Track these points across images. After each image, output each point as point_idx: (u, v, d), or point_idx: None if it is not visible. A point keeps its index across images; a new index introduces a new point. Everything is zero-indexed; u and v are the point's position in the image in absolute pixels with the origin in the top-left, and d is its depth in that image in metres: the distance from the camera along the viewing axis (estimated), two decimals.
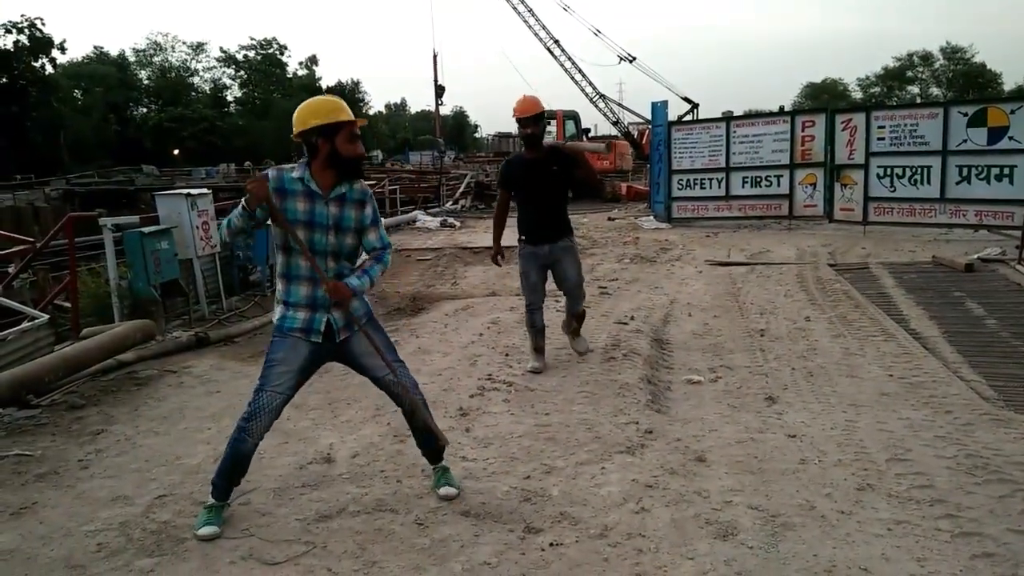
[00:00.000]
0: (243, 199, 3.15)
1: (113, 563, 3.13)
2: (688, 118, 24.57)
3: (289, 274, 3.32)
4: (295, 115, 3.27)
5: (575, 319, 5.78)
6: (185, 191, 8.94)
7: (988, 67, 74.32)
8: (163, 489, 3.85)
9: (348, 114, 3.26)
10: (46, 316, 6.85)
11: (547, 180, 5.33)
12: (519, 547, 3.13)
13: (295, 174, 3.27)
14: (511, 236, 5.66)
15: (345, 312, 3.33)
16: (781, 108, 18.73)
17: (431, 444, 3.63)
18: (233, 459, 3.36)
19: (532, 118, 5.25)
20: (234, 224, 3.20)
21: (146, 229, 7.88)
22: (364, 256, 3.46)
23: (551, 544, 3.14)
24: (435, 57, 33.18)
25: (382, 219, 3.48)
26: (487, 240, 14.18)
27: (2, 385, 5.13)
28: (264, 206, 3.16)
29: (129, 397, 5.54)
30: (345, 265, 3.38)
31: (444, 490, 3.58)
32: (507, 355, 6.17)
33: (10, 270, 8.20)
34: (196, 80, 78.97)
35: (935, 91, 75.68)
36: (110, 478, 4.04)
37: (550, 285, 5.74)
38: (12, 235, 8.71)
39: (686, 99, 27.74)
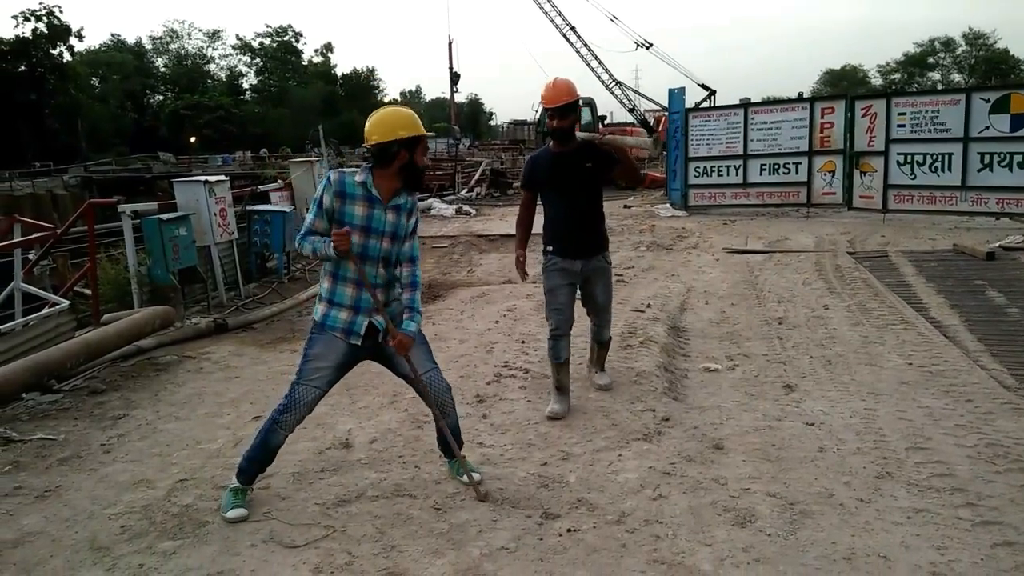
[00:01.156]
0: (333, 248, 3.22)
1: (136, 545, 3.18)
2: (705, 105, 24.38)
3: (337, 274, 3.36)
4: (378, 123, 3.28)
5: (600, 347, 4.97)
6: (203, 178, 8.98)
7: (1011, 53, 73.18)
8: (184, 473, 3.90)
9: (423, 129, 3.34)
10: (67, 302, 6.93)
11: (579, 180, 4.45)
12: (537, 532, 3.15)
13: (358, 178, 3.29)
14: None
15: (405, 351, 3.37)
16: (800, 95, 18.54)
17: (455, 431, 3.66)
18: (264, 448, 3.42)
19: (561, 109, 4.35)
20: (310, 252, 3.31)
21: (164, 216, 7.94)
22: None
23: (569, 530, 3.15)
24: (450, 44, 33.16)
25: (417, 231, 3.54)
26: (503, 228, 14.23)
27: (25, 370, 5.20)
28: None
29: (149, 382, 5.59)
30: (392, 272, 3.41)
31: (474, 475, 3.58)
32: (523, 342, 6.18)
33: (31, 257, 8.28)
34: (212, 68, 79.47)
35: (957, 77, 74.53)
36: (132, 462, 4.09)
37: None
38: (33, 221, 8.79)
39: (703, 86, 27.50)
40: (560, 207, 4.51)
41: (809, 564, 2.84)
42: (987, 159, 11.61)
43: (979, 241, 9.72)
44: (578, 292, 4.68)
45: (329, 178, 3.30)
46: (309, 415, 3.46)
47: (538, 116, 27.79)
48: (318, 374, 3.36)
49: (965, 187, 11.80)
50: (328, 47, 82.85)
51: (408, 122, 3.29)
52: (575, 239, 4.49)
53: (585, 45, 28.59)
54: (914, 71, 78.33)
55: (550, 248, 4.56)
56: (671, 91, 15.70)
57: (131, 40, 75.69)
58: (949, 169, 11.95)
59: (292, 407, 3.35)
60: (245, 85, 79.65)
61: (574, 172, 4.43)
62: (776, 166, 14.13)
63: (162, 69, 76.41)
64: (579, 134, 4.68)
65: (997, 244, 9.36)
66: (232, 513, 3.35)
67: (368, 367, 5.20)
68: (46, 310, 6.89)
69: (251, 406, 4.93)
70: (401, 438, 4.26)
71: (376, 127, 3.27)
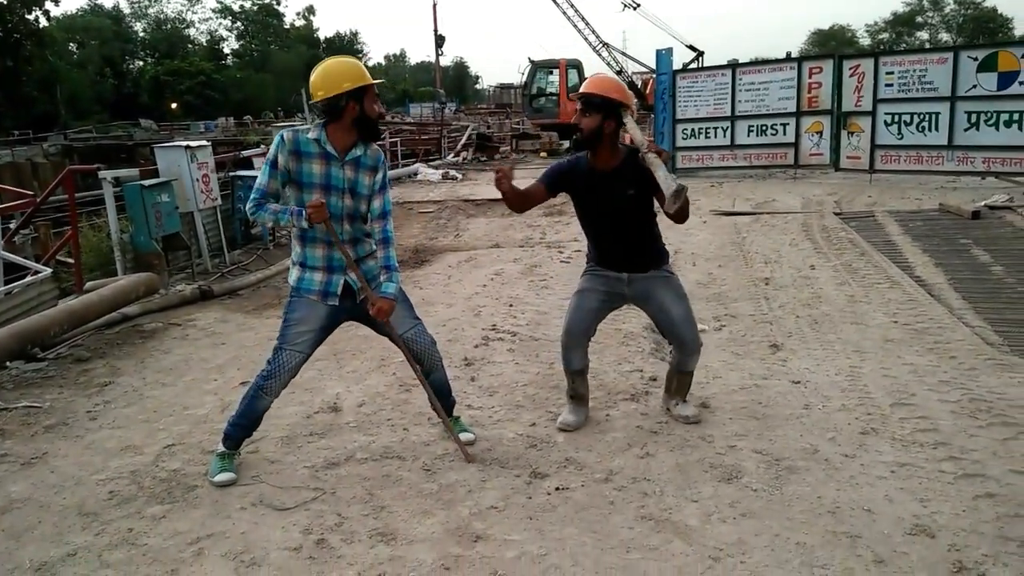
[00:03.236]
0: (304, 217, 3.14)
1: (125, 510, 3.18)
2: (693, 66, 24.18)
3: (305, 236, 3.28)
4: (320, 78, 3.16)
5: (681, 377, 3.87)
6: (184, 143, 8.84)
7: (1000, 11, 72.85)
8: (172, 439, 3.89)
9: (370, 76, 3.21)
10: (49, 270, 6.86)
11: (621, 208, 3.55)
12: (526, 491, 3.17)
13: (311, 135, 3.21)
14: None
15: (386, 319, 3.32)
16: (788, 55, 18.39)
17: (446, 401, 3.65)
18: (249, 414, 3.39)
19: (587, 99, 3.46)
20: (271, 222, 3.19)
21: (146, 182, 7.83)
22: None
23: (557, 488, 3.17)
24: (435, 6, 32.56)
25: (388, 185, 3.41)
26: (489, 192, 14.10)
27: (9, 338, 5.15)
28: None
29: (135, 350, 5.56)
30: (360, 228, 3.34)
31: (463, 435, 3.59)
32: (511, 306, 6.17)
33: (11, 226, 8.17)
34: (192, 32, 77.94)
35: (945, 36, 74.13)
36: (119, 428, 4.08)
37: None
38: (12, 188, 8.65)
39: (691, 47, 27.30)
40: (600, 230, 3.69)
41: (795, 518, 2.88)
42: (974, 118, 11.60)
43: (965, 200, 9.75)
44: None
45: (282, 136, 3.20)
46: (295, 379, 3.44)
47: (525, 79, 27.50)
48: (301, 338, 3.32)
49: (952, 146, 11.81)
50: (310, 10, 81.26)
51: (353, 72, 3.16)
52: (622, 258, 3.67)
53: (572, 6, 28.24)
54: (902, 30, 77.89)
55: (590, 260, 3.82)
56: (659, 52, 15.54)
57: (108, 4, 74.11)
58: (936, 128, 11.94)
59: (276, 373, 3.32)
60: (226, 50, 78.22)
61: (615, 199, 3.53)
62: (764, 127, 14.07)
63: (141, 34, 74.86)
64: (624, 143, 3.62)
65: (982, 203, 9.40)
66: (220, 477, 3.34)
67: (354, 331, 5.20)
68: (28, 279, 6.82)
69: (238, 372, 4.92)
70: (389, 401, 4.26)
71: (321, 81, 3.15)
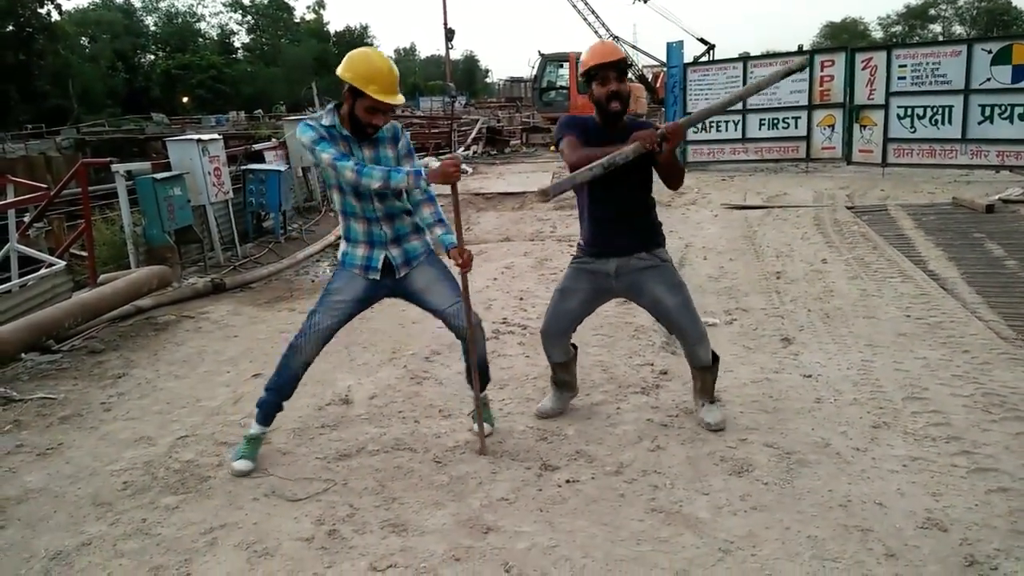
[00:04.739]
0: (425, 175, 3.12)
1: (139, 500, 3.21)
2: (704, 59, 24.07)
3: (345, 211, 3.35)
4: (344, 59, 3.19)
5: (700, 374, 3.68)
6: (196, 137, 8.88)
7: (1014, 4, 72.07)
8: (185, 430, 3.92)
9: (381, 90, 3.09)
10: (63, 263, 6.90)
11: (627, 167, 3.24)
12: (536, 484, 3.17)
13: (325, 121, 3.24)
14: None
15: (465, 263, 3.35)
16: (799, 48, 18.27)
17: (485, 379, 3.65)
18: (281, 374, 3.43)
19: (619, 65, 3.37)
20: (379, 182, 3.08)
21: (158, 176, 7.87)
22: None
23: (568, 481, 3.18)
24: None
25: (413, 151, 3.44)
26: (500, 186, 14.11)
27: (24, 330, 5.19)
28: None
29: (148, 342, 5.60)
30: (394, 205, 3.34)
31: (485, 425, 3.58)
32: (521, 299, 6.18)
33: (25, 219, 8.23)
34: (203, 26, 78.30)
35: (958, 29, 73.53)
36: (133, 420, 4.11)
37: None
38: (26, 181, 8.71)
39: (702, 40, 27.21)
40: (599, 195, 3.45)
41: (805, 511, 2.87)
42: (988, 111, 11.49)
43: (978, 194, 9.67)
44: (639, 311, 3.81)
45: (307, 123, 3.21)
46: (321, 349, 3.44)
47: (535, 72, 27.44)
48: (337, 305, 3.38)
49: (965, 140, 11.71)
50: (320, 3, 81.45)
51: (359, 69, 3.11)
52: (615, 233, 3.48)
53: (583, 0, 28.12)
54: (915, 23, 77.26)
55: (581, 242, 3.66)
56: (669, 45, 15.47)
57: None
58: (949, 122, 11.84)
59: (307, 331, 3.37)
60: (237, 44, 78.52)
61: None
62: (775, 121, 13.98)
63: (152, 28, 75.20)
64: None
65: (996, 197, 9.32)
66: (238, 464, 3.39)
67: (366, 324, 5.22)
68: (42, 271, 6.87)
69: (250, 364, 4.94)
70: (400, 393, 4.27)
71: (343, 63, 3.19)
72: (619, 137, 3.25)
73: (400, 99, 3.20)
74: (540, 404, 3.88)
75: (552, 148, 21.18)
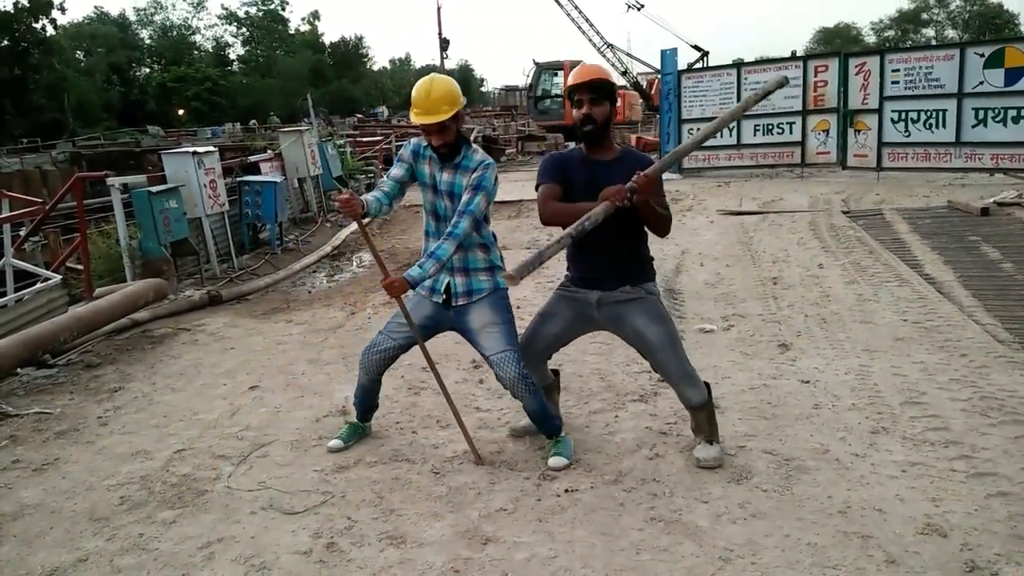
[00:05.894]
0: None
1: (136, 515, 3.19)
2: (698, 66, 24.15)
3: (426, 230, 3.49)
4: (454, 91, 3.27)
5: (692, 413, 3.44)
6: (191, 149, 8.88)
7: (1006, 7, 72.51)
8: (182, 444, 3.90)
9: (419, 112, 3.22)
10: (59, 277, 6.89)
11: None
12: (535, 493, 3.16)
13: (424, 141, 3.38)
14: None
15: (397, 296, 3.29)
16: (793, 53, 18.31)
17: (542, 427, 3.51)
18: (358, 388, 3.67)
19: (593, 86, 3.21)
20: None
21: (154, 188, 7.86)
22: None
23: (566, 490, 3.17)
24: (439, 9, 32.67)
25: (484, 188, 3.27)
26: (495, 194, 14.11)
27: (19, 345, 5.18)
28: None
29: (144, 355, 5.58)
30: (472, 238, 3.34)
31: (551, 460, 3.38)
32: (518, 307, 6.15)
33: (21, 233, 8.22)
34: (198, 39, 78.30)
35: (951, 33, 73.86)
36: (129, 434, 4.09)
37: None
38: (21, 196, 8.70)
39: (696, 47, 27.31)
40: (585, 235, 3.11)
41: (805, 518, 2.86)
42: (981, 114, 11.56)
43: (973, 197, 9.71)
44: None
45: (410, 140, 3.50)
46: (385, 368, 3.59)
47: (530, 81, 27.52)
48: (399, 330, 3.49)
49: (959, 143, 11.77)
50: (315, 15, 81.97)
51: (418, 104, 3.23)
52: (602, 268, 3.33)
53: (576, 8, 28.25)
54: (908, 27, 77.61)
55: (567, 272, 3.51)
56: (663, 52, 15.54)
57: (115, 12, 74.68)
58: (943, 125, 11.90)
59: (368, 351, 3.55)
60: (232, 56, 78.59)
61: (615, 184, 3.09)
62: (770, 126, 14.04)
63: (147, 41, 75.25)
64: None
65: (991, 200, 9.35)
66: (332, 443, 3.69)
67: (363, 335, 5.21)
68: (38, 285, 6.85)
69: (247, 376, 4.93)
70: (398, 404, 4.26)
71: (455, 97, 3.27)
72: (606, 171, 3.16)
73: (433, 118, 3.19)
74: (516, 422, 3.77)
75: None
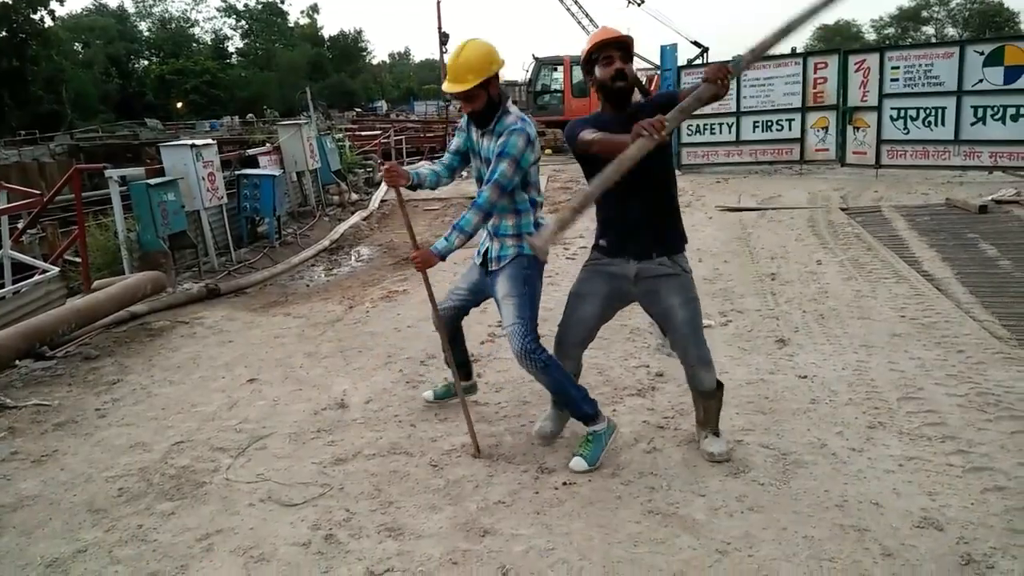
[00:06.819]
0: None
1: (135, 507, 3.20)
2: (698, 62, 24.11)
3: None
4: (483, 58, 3.22)
5: (702, 401, 3.43)
6: (190, 142, 8.87)
7: (1006, 6, 72.44)
8: (180, 436, 3.91)
9: (448, 80, 3.28)
10: (57, 269, 6.89)
11: (652, 154, 2.77)
12: (533, 486, 3.17)
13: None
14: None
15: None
16: (793, 50, 18.27)
17: (569, 410, 3.44)
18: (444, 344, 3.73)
19: (621, 44, 3.13)
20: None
21: (152, 181, 7.85)
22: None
23: (564, 483, 3.18)
24: (439, 3, 32.53)
25: (508, 154, 3.21)
26: None
27: (17, 337, 5.17)
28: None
29: (143, 348, 5.58)
30: (502, 204, 3.34)
31: (572, 461, 3.30)
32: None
33: (19, 225, 8.21)
34: (197, 31, 78.14)
35: (951, 31, 73.85)
36: (128, 426, 4.10)
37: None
38: (19, 188, 8.69)
39: (696, 43, 27.18)
40: (619, 193, 2.97)
41: (802, 512, 2.88)
42: (980, 112, 11.54)
43: (972, 195, 9.72)
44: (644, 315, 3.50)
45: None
46: (455, 327, 3.77)
47: (529, 76, 27.46)
48: (455, 293, 3.69)
49: (958, 141, 11.75)
50: (314, 8, 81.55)
51: (448, 70, 3.29)
52: (637, 231, 3.21)
53: (576, 2, 28.19)
54: (908, 25, 77.58)
55: (601, 242, 3.34)
56: (663, 48, 15.51)
57: (113, 4, 74.31)
58: (942, 123, 11.89)
59: (439, 308, 3.62)
60: (231, 48, 78.41)
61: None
62: (769, 123, 14.02)
63: (146, 33, 75.04)
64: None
65: (989, 197, 9.36)
66: (426, 393, 4.05)
67: (361, 328, 5.21)
68: (36, 278, 6.85)
69: (245, 369, 4.93)
70: (396, 397, 4.27)
71: (492, 60, 3.27)
72: (638, 118, 2.85)
73: (458, 87, 3.21)
74: (538, 426, 3.57)
75: (548, 151, 21.23)
